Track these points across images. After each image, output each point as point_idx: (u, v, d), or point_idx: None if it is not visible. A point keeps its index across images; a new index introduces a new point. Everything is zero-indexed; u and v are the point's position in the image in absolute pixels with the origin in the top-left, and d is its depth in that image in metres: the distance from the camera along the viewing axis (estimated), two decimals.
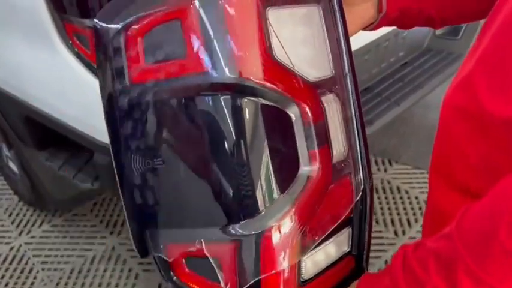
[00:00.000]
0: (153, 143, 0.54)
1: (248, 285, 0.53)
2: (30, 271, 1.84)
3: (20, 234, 1.98)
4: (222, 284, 0.54)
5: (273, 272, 0.52)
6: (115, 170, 0.60)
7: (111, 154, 0.59)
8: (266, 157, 0.51)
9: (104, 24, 0.55)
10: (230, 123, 0.50)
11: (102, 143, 1.21)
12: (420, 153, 2.16)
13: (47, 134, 1.47)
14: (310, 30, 0.54)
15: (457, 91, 0.57)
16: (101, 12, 0.57)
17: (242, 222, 0.52)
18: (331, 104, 0.54)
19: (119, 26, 0.53)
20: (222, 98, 0.50)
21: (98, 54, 0.56)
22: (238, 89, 0.49)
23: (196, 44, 0.50)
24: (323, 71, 0.54)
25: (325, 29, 0.55)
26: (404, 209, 1.96)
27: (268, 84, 0.50)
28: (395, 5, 0.70)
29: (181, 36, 0.50)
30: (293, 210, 0.51)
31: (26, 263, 1.86)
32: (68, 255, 1.88)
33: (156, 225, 0.59)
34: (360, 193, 0.56)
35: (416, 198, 1.99)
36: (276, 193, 0.51)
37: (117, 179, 0.60)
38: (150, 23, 0.52)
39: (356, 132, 0.56)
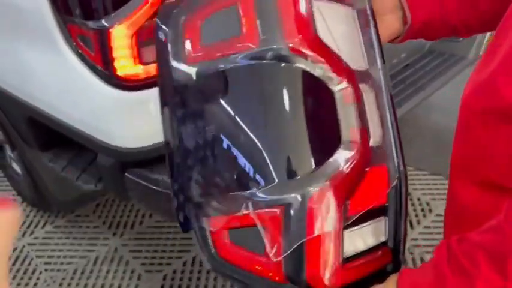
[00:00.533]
0: (210, 113, 0.58)
1: (292, 249, 0.54)
2: (33, 272, 1.84)
3: (23, 235, 1.99)
4: (268, 249, 0.55)
5: (317, 234, 0.54)
6: (164, 144, 0.63)
7: (163, 129, 0.62)
8: (312, 124, 0.55)
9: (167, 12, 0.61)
10: (282, 90, 0.55)
11: (105, 144, 1.22)
12: (423, 154, 2.16)
13: (51, 135, 1.48)
14: (346, 27, 0.59)
15: (478, 93, 0.58)
16: (165, 4, 0.63)
17: (287, 184, 0.55)
18: (367, 92, 0.58)
19: (184, 11, 0.59)
20: (274, 67, 0.55)
21: (159, 40, 0.61)
22: (289, 60, 0.54)
23: (251, 23, 0.56)
24: (358, 64, 0.59)
25: (359, 29, 0.60)
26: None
27: (315, 56, 0.55)
28: (419, 17, 0.71)
29: (237, 19, 0.56)
30: (335, 178, 0.54)
31: (29, 264, 1.87)
32: (70, 256, 1.89)
33: (203, 195, 0.60)
34: (395, 180, 0.58)
35: (419, 199, 1.99)
36: (318, 160, 0.55)
37: (166, 153, 0.63)
38: (212, 8, 0.58)
39: (390, 123, 0.59)
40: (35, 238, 1.97)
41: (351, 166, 0.55)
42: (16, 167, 1.91)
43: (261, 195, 0.55)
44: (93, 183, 1.42)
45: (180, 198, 0.63)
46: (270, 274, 0.57)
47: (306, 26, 0.56)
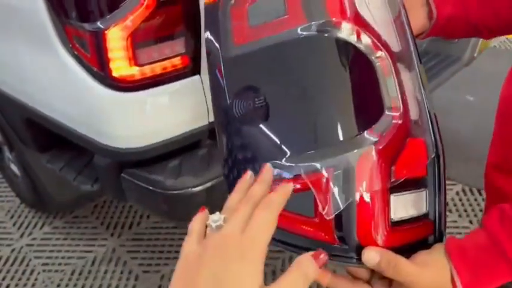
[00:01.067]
0: (258, 86, 0.62)
1: (344, 207, 0.56)
2: (31, 273, 1.85)
3: (21, 236, 1.99)
4: (320, 209, 0.57)
5: (366, 191, 0.57)
6: (216, 124, 0.66)
7: (214, 111, 0.67)
8: (356, 91, 0.59)
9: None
10: (325, 59, 0.61)
11: (101, 144, 1.23)
12: None
13: (49, 136, 1.49)
14: (381, 11, 0.64)
15: None
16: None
17: (335, 147, 0.58)
18: (403, 71, 0.61)
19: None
20: (319, 38, 0.60)
21: (210, 24, 0.67)
22: (332, 32, 0.60)
23: (296, 4, 0.62)
24: (393, 45, 0.62)
25: (391, 15, 0.64)
26: None
27: (357, 29, 0.60)
28: (444, 13, 0.73)
29: (282, 1, 0.62)
30: (380, 141, 0.58)
31: (27, 265, 1.88)
32: (68, 256, 1.90)
33: (256, 161, 0.62)
34: (433, 154, 0.60)
35: None
36: (364, 124, 0.58)
37: (217, 133, 0.66)
38: None
39: (425, 102, 0.61)
40: (33, 239, 1.98)
41: (395, 131, 0.58)
42: (14, 168, 1.92)
43: (310, 159, 0.58)
44: (90, 183, 1.43)
45: (231, 170, 0.65)
46: (323, 235, 0.58)
47: (348, 4, 0.61)
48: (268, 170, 0.49)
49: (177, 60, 1.15)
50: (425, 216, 0.62)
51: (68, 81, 1.21)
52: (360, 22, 0.61)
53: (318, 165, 0.57)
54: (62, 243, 1.95)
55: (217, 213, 0.44)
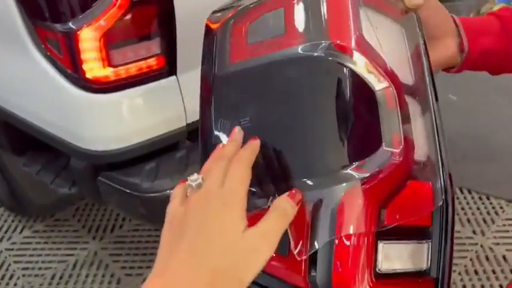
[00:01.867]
0: (251, 105, 0.59)
1: (319, 248, 0.51)
2: (10, 277, 1.82)
3: (0, 241, 1.96)
4: (292, 247, 0.52)
5: (348, 232, 0.51)
6: (200, 138, 0.63)
7: (200, 127, 0.63)
8: (352, 120, 0.54)
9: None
10: (320, 83, 0.56)
11: (77, 147, 1.21)
12: None
13: (25, 139, 1.47)
14: (394, 39, 0.59)
15: None
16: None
17: (319, 179, 0.53)
18: (413, 105, 0.56)
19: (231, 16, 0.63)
20: (314, 60, 0.56)
21: (207, 43, 0.64)
22: (331, 54, 0.55)
23: (295, 22, 0.59)
24: (405, 77, 0.57)
25: (407, 45, 0.59)
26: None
27: (358, 54, 0.55)
28: (478, 45, 0.65)
29: (282, 20, 0.59)
30: (371, 178, 0.52)
31: (7, 270, 1.84)
32: (49, 260, 1.87)
33: None
34: (441, 202, 0.54)
35: None
36: (355, 157, 0.53)
37: (200, 152, 0.62)
38: (258, 13, 0.61)
39: (437, 142, 0.56)
40: (13, 243, 1.95)
41: (391, 170, 0.52)
42: None
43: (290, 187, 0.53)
44: (68, 187, 1.40)
45: None
46: (294, 278, 0.53)
47: (352, 26, 0.56)
48: (238, 131, 0.53)
49: (152, 61, 1.14)
50: (425, 272, 0.55)
51: (42, 83, 1.19)
52: (364, 46, 0.55)
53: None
54: (42, 247, 1.92)
55: (195, 174, 0.47)
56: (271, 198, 0.54)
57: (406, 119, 0.54)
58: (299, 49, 0.56)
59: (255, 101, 0.59)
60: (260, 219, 0.45)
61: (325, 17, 0.57)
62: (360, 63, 0.55)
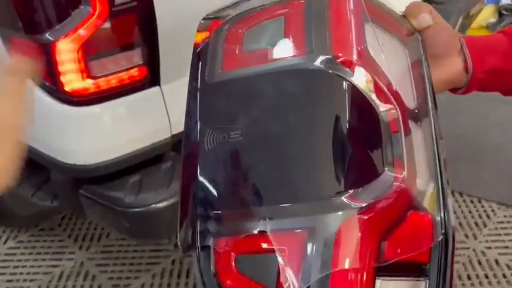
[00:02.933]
0: (242, 117, 0.54)
1: (311, 284, 0.46)
2: None
3: None
4: (282, 279, 0.47)
5: (344, 267, 0.46)
6: (183, 149, 0.57)
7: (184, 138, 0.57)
8: (351, 142, 0.49)
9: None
10: (318, 99, 0.52)
11: (58, 161, 1.17)
12: None
13: None
14: (398, 60, 0.55)
15: None
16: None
17: (315, 205, 0.48)
18: (415, 131, 0.52)
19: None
20: (315, 74, 0.52)
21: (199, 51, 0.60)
22: (333, 68, 0.51)
23: (297, 33, 0.54)
24: (407, 100, 0.53)
25: (410, 66, 0.56)
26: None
27: (362, 70, 0.50)
28: (483, 65, 0.63)
29: (282, 29, 0.55)
30: (371, 207, 0.47)
31: None
32: (34, 272, 1.83)
33: (216, 208, 0.53)
34: (441, 236, 0.50)
35: None
36: (354, 184, 0.48)
37: (181, 163, 0.57)
38: (257, 19, 0.57)
39: (438, 169, 0.51)
40: None
41: (393, 198, 0.48)
42: None
43: (280, 214, 0.49)
44: (50, 200, 1.36)
45: (189, 211, 0.55)
46: None
47: (356, 40, 0.52)
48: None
49: (134, 72, 1.10)
50: None
51: None
52: (369, 63, 0.52)
53: (288, 222, 0.48)
54: (27, 258, 1.88)
55: None
56: (261, 221, 0.49)
57: (409, 144, 0.50)
58: (298, 61, 0.53)
59: (248, 113, 0.54)
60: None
61: (329, 29, 0.53)
62: (363, 81, 0.51)
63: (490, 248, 1.86)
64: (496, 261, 1.81)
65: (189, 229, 0.54)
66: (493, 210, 2.00)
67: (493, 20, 3.12)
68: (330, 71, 0.51)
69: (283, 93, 0.53)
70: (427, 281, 0.50)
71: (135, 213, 1.14)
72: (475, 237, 1.89)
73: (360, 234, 0.47)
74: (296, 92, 0.52)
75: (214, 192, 0.53)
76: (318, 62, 0.51)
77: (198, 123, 0.55)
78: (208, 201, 0.53)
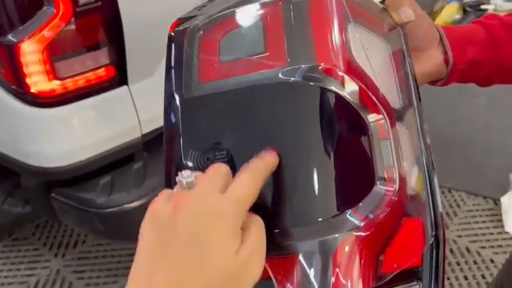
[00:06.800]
0: (224, 135, 0.51)
1: None
2: None
3: None
4: None
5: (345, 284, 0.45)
6: (164, 171, 0.54)
7: (164, 154, 0.54)
8: (342, 158, 0.47)
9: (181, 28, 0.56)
10: (305, 113, 0.49)
11: (27, 165, 1.16)
12: None
13: None
14: (382, 60, 0.54)
15: None
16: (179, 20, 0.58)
17: (310, 228, 0.47)
18: (402, 132, 0.50)
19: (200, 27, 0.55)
20: (302, 87, 0.49)
21: (172, 58, 0.56)
22: (319, 80, 0.48)
23: (278, 41, 0.51)
24: (393, 101, 0.51)
25: (393, 64, 0.54)
26: None
27: (349, 80, 0.48)
28: (462, 57, 0.62)
29: (262, 36, 0.52)
30: (368, 224, 0.46)
31: None
32: (8, 282, 1.79)
33: None
34: (432, 239, 0.49)
35: None
36: (348, 202, 0.47)
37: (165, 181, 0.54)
38: (232, 25, 0.54)
39: (426, 170, 0.51)
40: None
41: (387, 211, 0.46)
42: None
43: (277, 237, 0.47)
44: (22, 206, 1.35)
45: None
46: None
47: (341, 47, 0.49)
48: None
49: (101, 72, 1.10)
50: None
51: None
52: (355, 71, 0.49)
53: (283, 247, 0.46)
54: (0, 269, 1.84)
55: (188, 170, 0.41)
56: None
57: (398, 150, 0.49)
58: (282, 73, 0.49)
59: (232, 132, 0.51)
60: (244, 234, 0.40)
61: (311, 34, 0.50)
62: (350, 90, 0.48)
63: (460, 236, 1.91)
64: (467, 249, 1.86)
65: None
66: (462, 200, 2.05)
67: (458, 16, 3.20)
68: (314, 83, 0.48)
69: (266, 110, 0.50)
70: (420, 284, 0.50)
71: (107, 213, 1.14)
72: (447, 227, 1.94)
73: (359, 255, 0.45)
74: (279, 108, 0.50)
75: None
76: (302, 73, 0.49)
77: (180, 142, 0.52)
78: None
